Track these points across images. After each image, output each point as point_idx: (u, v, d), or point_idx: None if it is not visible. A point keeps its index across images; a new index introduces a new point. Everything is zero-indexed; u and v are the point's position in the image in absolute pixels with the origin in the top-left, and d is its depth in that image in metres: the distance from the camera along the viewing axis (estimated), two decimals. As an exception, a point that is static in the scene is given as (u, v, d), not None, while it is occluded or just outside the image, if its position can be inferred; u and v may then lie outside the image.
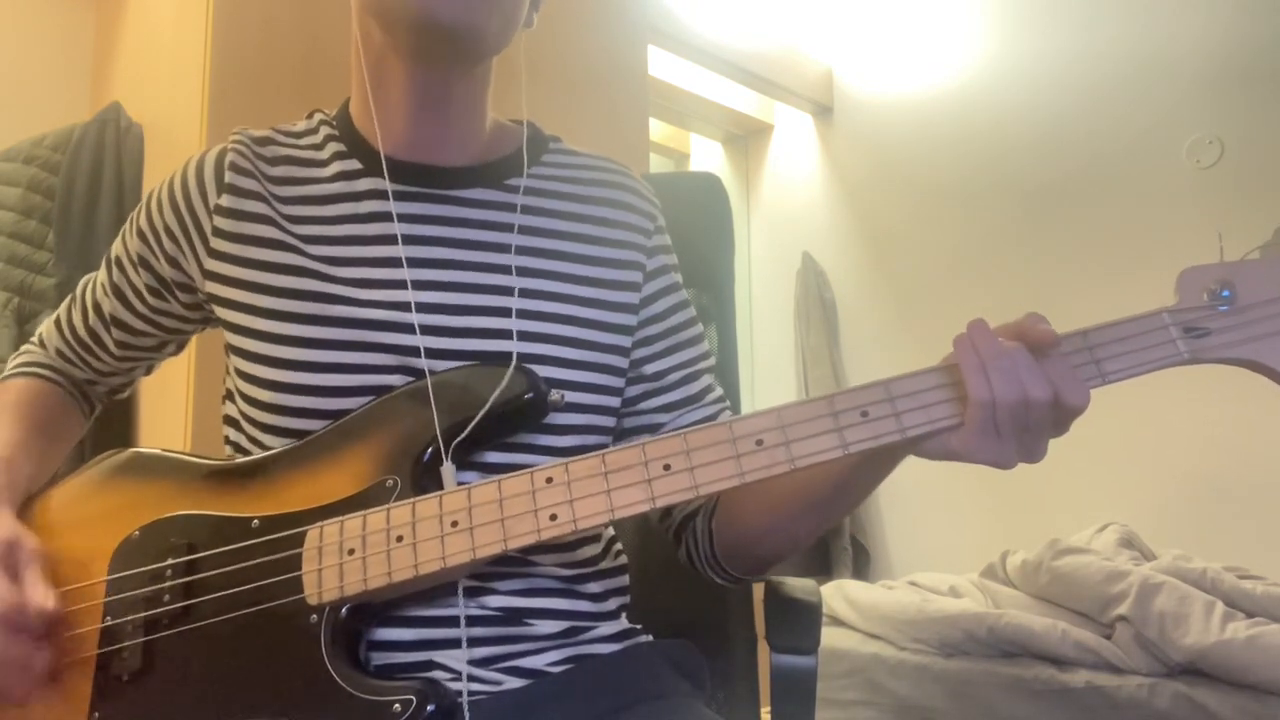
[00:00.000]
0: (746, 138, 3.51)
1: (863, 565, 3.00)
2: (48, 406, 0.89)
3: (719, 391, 0.88)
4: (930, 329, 2.97)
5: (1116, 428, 2.47)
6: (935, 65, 3.08)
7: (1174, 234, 2.52)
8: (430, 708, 0.63)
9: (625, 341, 0.82)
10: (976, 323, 0.66)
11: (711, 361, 0.88)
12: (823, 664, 2.06)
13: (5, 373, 0.92)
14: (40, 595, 0.71)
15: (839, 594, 2.22)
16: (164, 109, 1.59)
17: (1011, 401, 0.62)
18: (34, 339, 0.95)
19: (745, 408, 1.10)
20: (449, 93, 0.80)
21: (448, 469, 0.70)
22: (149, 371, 0.98)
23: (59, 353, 0.93)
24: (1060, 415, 0.64)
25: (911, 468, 0.74)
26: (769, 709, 0.91)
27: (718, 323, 1.13)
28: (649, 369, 0.83)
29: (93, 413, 0.96)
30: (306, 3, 1.57)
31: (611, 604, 0.80)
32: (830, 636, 2.13)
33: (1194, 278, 0.67)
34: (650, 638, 0.82)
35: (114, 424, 1.50)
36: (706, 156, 3.55)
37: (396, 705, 0.63)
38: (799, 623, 0.85)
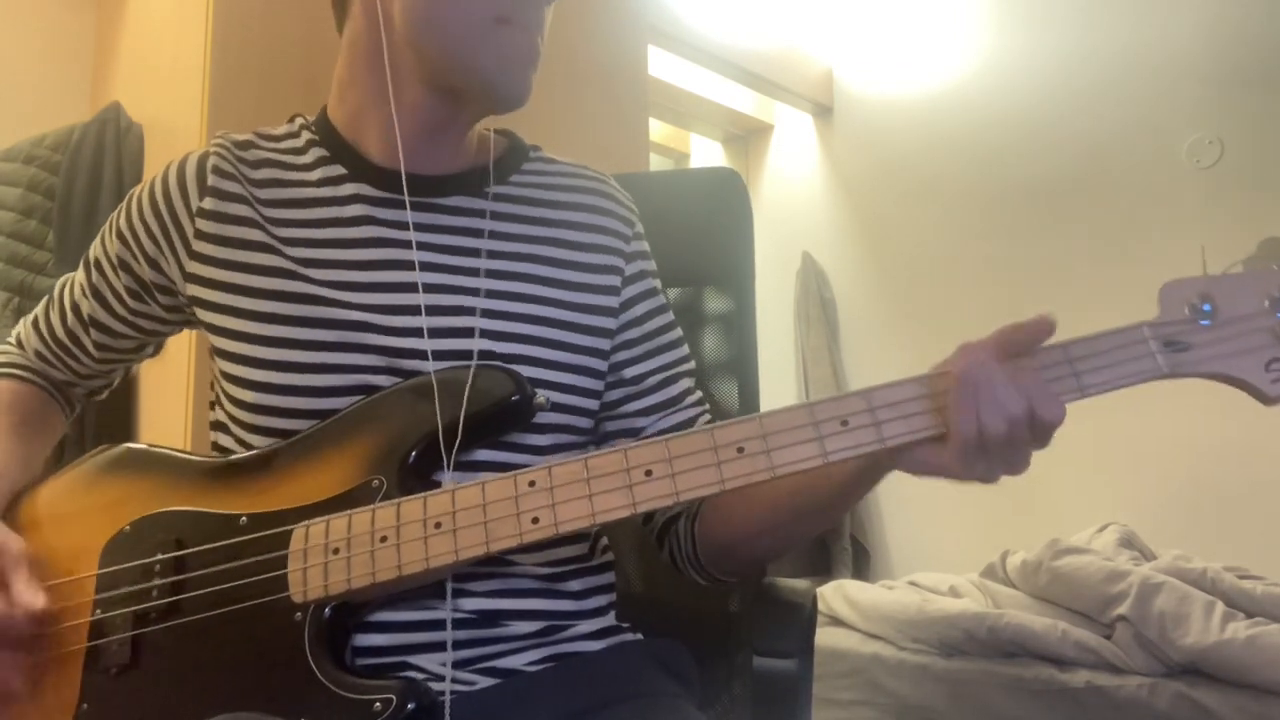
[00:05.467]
0: (746, 138, 3.50)
1: (863, 565, 3.00)
2: (26, 407, 0.89)
3: (698, 395, 0.88)
4: (930, 328, 2.97)
5: (1116, 429, 2.46)
6: (935, 65, 3.08)
7: (1174, 234, 2.52)
8: (410, 705, 0.64)
9: (603, 344, 0.82)
10: (972, 361, 0.64)
11: (691, 365, 0.89)
12: (823, 664, 2.06)
13: None
14: (29, 597, 0.72)
15: (839, 594, 2.22)
16: (164, 109, 1.59)
17: (1000, 429, 0.63)
18: (11, 339, 0.94)
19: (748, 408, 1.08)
20: (456, 122, 0.82)
21: (448, 479, 0.71)
22: (128, 374, 0.98)
23: (38, 354, 0.92)
24: (1037, 431, 0.64)
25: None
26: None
27: (737, 322, 1.08)
28: (628, 372, 0.84)
29: (72, 413, 0.96)
30: (307, 2, 1.57)
31: (594, 602, 0.81)
32: (830, 636, 2.13)
33: (1175, 291, 0.66)
34: (638, 636, 0.82)
35: (113, 425, 1.50)
36: (706, 156, 3.54)
37: (377, 704, 0.64)
38: (781, 624, 0.84)
